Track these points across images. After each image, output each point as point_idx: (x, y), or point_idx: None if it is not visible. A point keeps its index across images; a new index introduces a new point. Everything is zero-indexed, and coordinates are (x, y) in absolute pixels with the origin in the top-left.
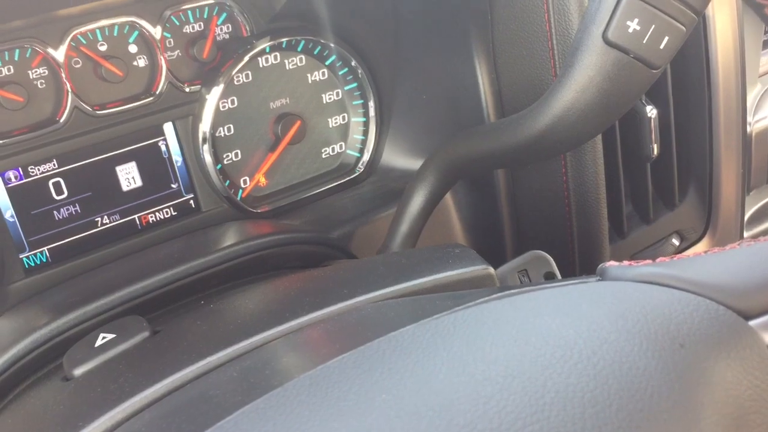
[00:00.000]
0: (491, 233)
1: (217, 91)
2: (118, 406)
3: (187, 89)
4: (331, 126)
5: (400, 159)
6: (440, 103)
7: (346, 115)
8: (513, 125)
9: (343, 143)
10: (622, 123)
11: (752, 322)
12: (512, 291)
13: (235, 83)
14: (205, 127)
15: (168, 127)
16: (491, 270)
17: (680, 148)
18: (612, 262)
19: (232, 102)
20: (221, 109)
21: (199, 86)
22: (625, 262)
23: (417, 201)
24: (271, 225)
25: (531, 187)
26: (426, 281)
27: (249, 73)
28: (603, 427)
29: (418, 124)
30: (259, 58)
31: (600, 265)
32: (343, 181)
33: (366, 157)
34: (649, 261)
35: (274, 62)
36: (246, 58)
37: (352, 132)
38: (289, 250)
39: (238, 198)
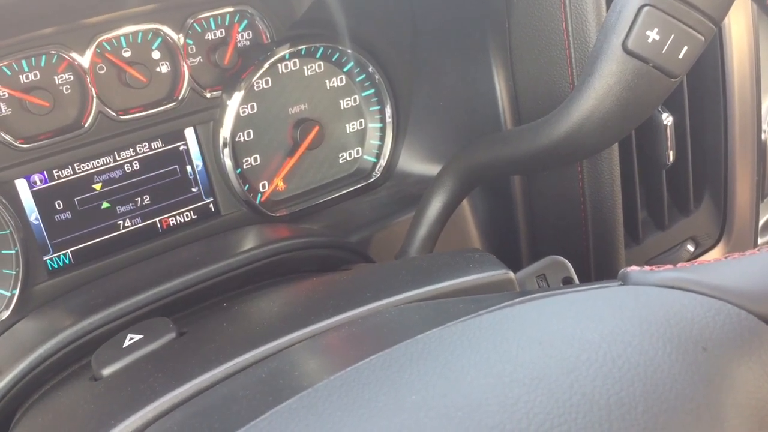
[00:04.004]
0: (507, 238)
1: (237, 96)
2: (149, 405)
3: (209, 95)
4: (348, 131)
5: (416, 164)
6: (457, 109)
7: (363, 120)
8: (533, 132)
9: (360, 148)
10: (638, 130)
11: None
12: (535, 295)
13: (255, 89)
14: (225, 132)
15: (189, 132)
16: (511, 275)
17: (695, 155)
18: (633, 267)
19: (252, 108)
20: (241, 114)
21: (220, 92)
22: (647, 267)
23: (435, 206)
24: (290, 229)
25: (547, 192)
26: (448, 285)
27: (269, 79)
28: (629, 428)
29: (435, 130)
30: (279, 65)
31: (621, 270)
32: (360, 185)
33: (383, 162)
34: (670, 266)
35: (293, 69)
36: (266, 65)
37: (369, 137)
38: (309, 253)
39: (257, 202)
